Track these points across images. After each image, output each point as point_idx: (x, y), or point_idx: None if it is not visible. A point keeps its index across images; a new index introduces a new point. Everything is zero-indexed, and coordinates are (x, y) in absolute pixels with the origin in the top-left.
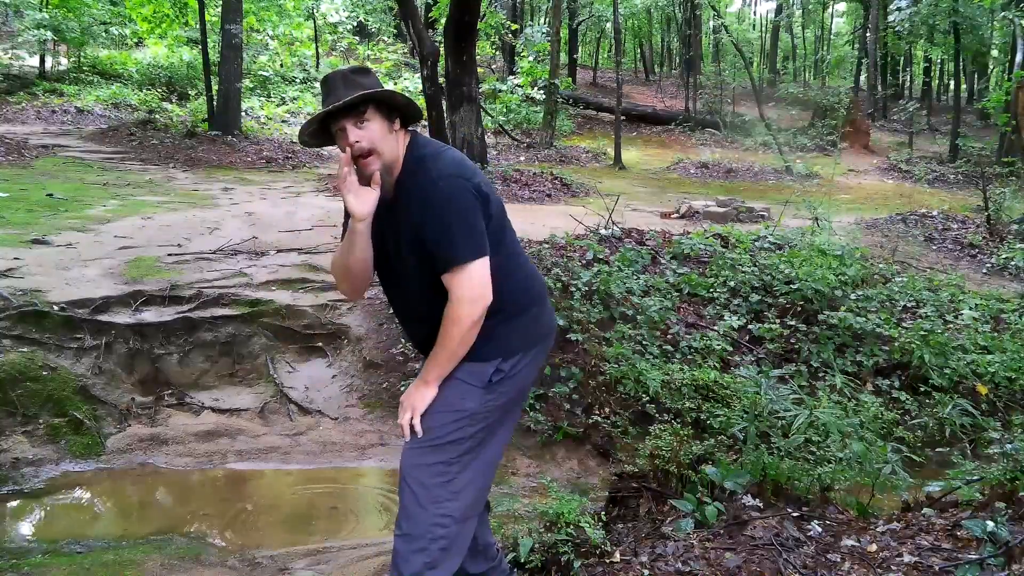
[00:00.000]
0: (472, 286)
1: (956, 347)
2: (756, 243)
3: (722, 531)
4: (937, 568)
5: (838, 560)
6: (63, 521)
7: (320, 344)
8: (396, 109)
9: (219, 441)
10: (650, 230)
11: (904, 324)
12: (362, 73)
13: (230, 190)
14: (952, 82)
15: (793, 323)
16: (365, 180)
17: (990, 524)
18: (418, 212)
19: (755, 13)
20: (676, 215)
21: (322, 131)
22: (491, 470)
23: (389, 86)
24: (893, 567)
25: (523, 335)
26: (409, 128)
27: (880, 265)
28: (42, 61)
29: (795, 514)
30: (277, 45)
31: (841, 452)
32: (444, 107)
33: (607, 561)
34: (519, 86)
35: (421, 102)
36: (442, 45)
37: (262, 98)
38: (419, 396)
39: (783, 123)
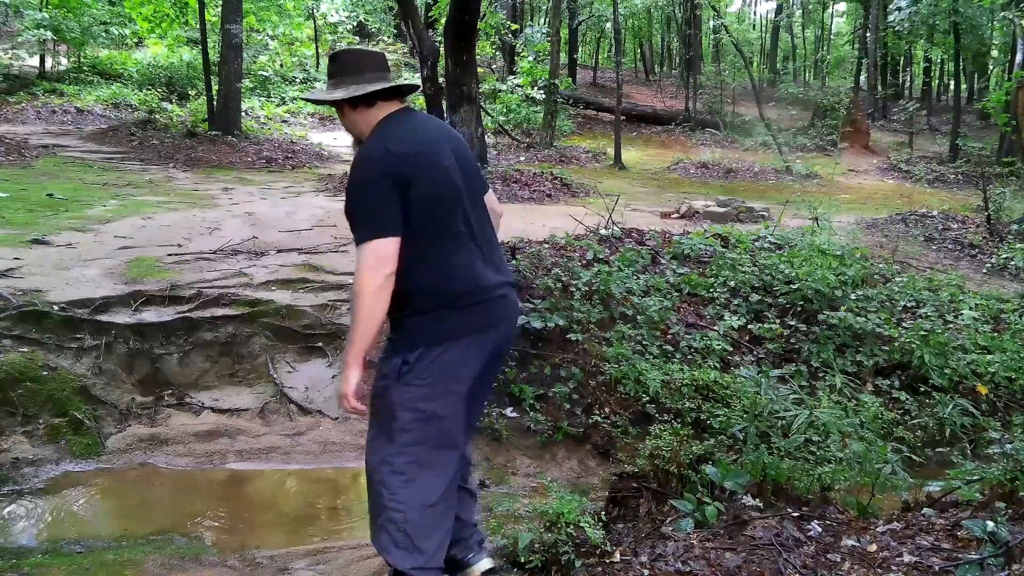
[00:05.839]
0: (370, 260)
1: (956, 347)
2: (756, 243)
3: (722, 531)
4: (937, 568)
5: (838, 560)
6: (63, 521)
7: (320, 344)
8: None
9: (219, 441)
10: (650, 230)
11: (904, 324)
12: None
13: (230, 190)
14: (952, 82)
15: (793, 323)
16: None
17: (990, 524)
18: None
19: (755, 13)
20: (676, 215)
21: None
22: (441, 458)
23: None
24: (893, 567)
25: (427, 332)
26: (408, 102)
27: (880, 265)
28: (42, 61)
29: (795, 514)
30: (277, 45)
31: (841, 452)
32: (444, 107)
33: (607, 561)
34: (519, 86)
35: (420, 102)
36: (442, 45)
37: (262, 98)
38: (343, 379)
39: (783, 123)
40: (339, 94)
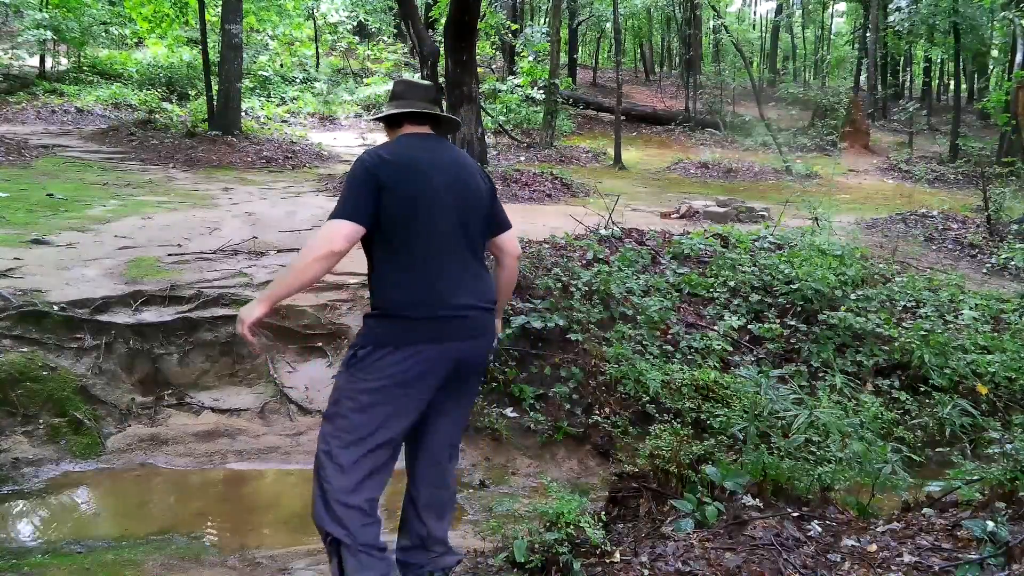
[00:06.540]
0: (326, 233)
1: (956, 347)
2: (756, 243)
3: (722, 531)
4: (937, 568)
5: (838, 560)
6: (63, 521)
7: (320, 344)
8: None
9: (219, 441)
10: (650, 230)
11: (904, 324)
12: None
13: (230, 190)
14: (952, 82)
15: (793, 323)
16: None
17: (990, 524)
18: None
19: (755, 13)
20: (676, 215)
21: None
22: (366, 458)
23: (388, 85)
24: (893, 567)
25: (382, 334)
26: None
27: (880, 265)
28: (42, 61)
29: (795, 514)
30: (277, 45)
31: (841, 452)
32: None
33: (607, 561)
34: (519, 86)
35: None
36: (442, 45)
37: (262, 98)
38: (249, 309)
39: (783, 123)
40: (378, 114)
